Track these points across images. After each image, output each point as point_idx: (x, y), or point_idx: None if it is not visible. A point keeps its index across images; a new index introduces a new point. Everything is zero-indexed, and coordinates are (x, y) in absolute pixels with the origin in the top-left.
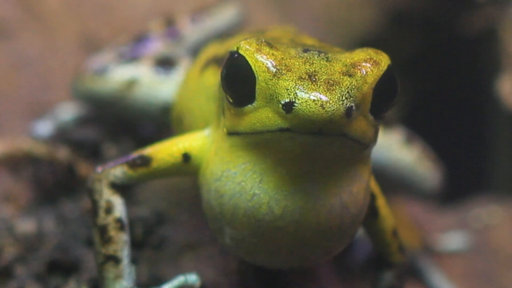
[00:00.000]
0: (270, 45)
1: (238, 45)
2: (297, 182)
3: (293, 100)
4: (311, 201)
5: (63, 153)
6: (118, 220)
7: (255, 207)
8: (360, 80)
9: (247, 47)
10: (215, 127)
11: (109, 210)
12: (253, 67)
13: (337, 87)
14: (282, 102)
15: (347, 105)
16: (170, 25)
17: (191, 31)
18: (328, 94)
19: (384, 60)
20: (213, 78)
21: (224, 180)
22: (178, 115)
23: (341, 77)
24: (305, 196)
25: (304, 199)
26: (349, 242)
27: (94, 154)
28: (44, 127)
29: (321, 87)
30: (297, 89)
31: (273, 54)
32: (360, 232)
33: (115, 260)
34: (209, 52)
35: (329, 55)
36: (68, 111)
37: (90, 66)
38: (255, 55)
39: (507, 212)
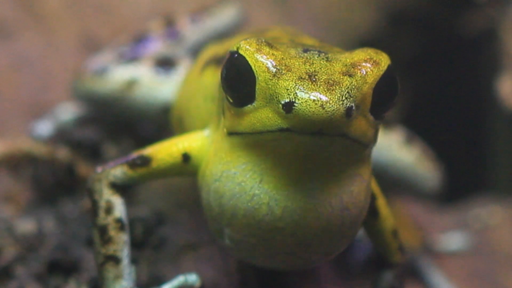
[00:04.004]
0: (270, 45)
1: (238, 45)
2: (298, 183)
3: (293, 100)
4: (311, 201)
5: (63, 153)
6: (118, 220)
7: (255, 207)
8: (360, 80)
9: (247, 47)
10: (214, 127)
11: (109, 210)
12: (253, 67)
13: (337, 87)
14: (282, 102)
15: (347, 105)
16: (170, 25)
17: (191, 31)
18: (328, 94)
19: (384, 60)
20: (212, 78)
21: (224, 181)
22: (178, 116)
23: (341, 77)
24: (306, 197)
25: (304, 200)
26: (349, 243)
27: (94, 154)
28: (44, 127)
29: (321, 87)
30: (297, 89)
31: (273, 54)
32: (360, 232)
33: (115, 260)
34: (208, 53)
35: (329, 55)
36: (68, 111)
37: (90, 66)
38: (255, 55)
39: (507, 212)
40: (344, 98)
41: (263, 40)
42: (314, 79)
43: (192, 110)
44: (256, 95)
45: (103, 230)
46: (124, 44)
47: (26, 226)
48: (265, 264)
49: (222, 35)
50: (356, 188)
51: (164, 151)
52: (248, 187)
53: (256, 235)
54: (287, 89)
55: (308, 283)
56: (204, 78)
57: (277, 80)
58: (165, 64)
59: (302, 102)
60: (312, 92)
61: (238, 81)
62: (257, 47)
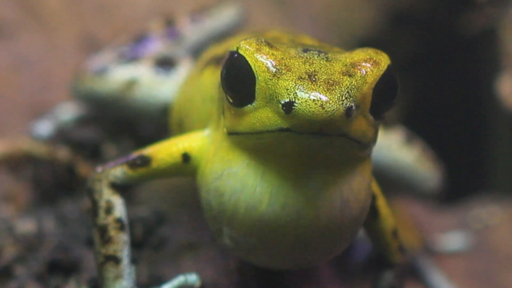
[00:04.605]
0: (270, 45)
1: (238, 45)
2: (298, 180)
3: (293, 100)
4: (311, 194)
5: (63, 153)
6: (118, 220)
7: (257, 200)
8: (360, 80)
9: (247, 47)
10: (214, 127)
11: (109, 210)
12: (253, 67)
13: (337, 87)
14: (282, 102)
15: (347, 105)
16: (170, 25)
17: (191, 31)
18: (328, 94)
19: (384, 60)
20: (212, 78)
21: (225, 179)
22: (178, 118)
23: (341, 77)
24: (306, 189)
25: (305, 192)
26: (350, 242)
27: (94, 154)
28: (44, 127)
29: (321, 87)
30: (297, 89)
31: (273, 54)
32: (360, 232)
33: (115, 260)
34: (208, 54)
35: (329, 55)
36: (68, 111)
37: (90, 66)
38: (255, 55)
39: (507, 212)
40: (344, 98)
41: (263, 40)
42: (314, 79)
43: (191, 112)
44: (256, 95)
45: (103, 230)
46: (124, 44)
47: (26, 226)
48: (265, 264)
49: (222, 35)
50: (356, 185)
51: (164, 151)
52: (250, 181)
53: (256, 233)
54: (287, 89)
55: (307, 283)
56: (203, 78)
57: (277, 80)
58: (165, 64)
59: (302, 102)
60: (312, 92)
61: (238, 81)
62: (257, 47)
